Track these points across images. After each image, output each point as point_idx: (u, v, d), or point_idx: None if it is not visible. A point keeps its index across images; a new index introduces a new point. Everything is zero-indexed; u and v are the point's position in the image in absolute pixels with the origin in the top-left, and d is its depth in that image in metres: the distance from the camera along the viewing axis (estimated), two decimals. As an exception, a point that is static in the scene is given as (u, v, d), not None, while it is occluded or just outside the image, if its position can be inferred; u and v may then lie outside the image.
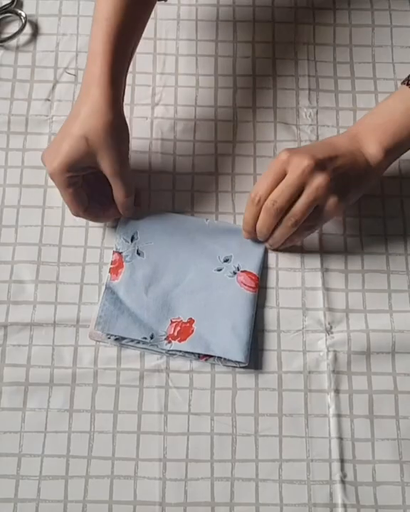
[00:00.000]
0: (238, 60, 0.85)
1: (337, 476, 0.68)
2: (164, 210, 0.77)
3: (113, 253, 0.75)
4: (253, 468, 0.69)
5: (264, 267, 0.75)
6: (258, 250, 0.75)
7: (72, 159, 0.68)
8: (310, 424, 0.70)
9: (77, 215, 0.73)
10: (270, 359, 0.72)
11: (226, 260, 0.75)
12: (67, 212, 0.77)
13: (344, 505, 0.67)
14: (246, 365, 0.71)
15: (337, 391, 0.71)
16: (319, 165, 0.67)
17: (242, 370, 0.71)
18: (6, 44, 0.85)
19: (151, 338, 0.71)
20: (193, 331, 0.72)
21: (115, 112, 0.69)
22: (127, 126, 0.71)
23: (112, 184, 0.71)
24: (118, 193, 0.72)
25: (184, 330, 0.72)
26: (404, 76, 0.83)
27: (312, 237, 0.76)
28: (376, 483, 0.68)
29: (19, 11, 0.86)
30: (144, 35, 0.85)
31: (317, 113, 0.82)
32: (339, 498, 0.68)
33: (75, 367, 0.72)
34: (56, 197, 0.77)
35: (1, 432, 0.69)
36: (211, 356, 0.71)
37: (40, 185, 0.78)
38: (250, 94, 0.83)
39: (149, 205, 0.78)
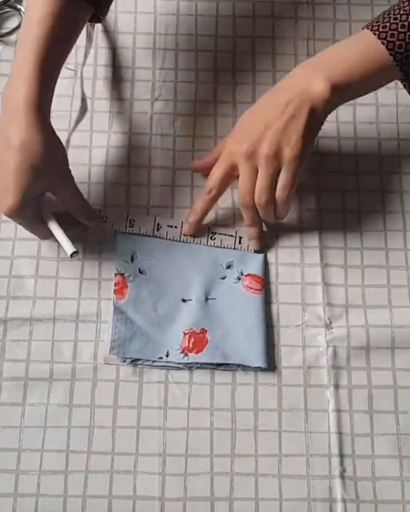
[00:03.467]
0: (238, 55, 0.85)
1: (336, 471, 0.68)
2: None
3: (115, 275, 0.74)
4: (253, 464, 0.69)
5: (264, 279, 0.75)
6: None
7: (27, 194, 0.65)
8: (310, 419, 0.70)
9: (46, 238, 0.73)
10: (270, 354, 0.72)
11: (229, 266, 0.75)
12: (67, 207, 0.77)
13: (344, 500, 0.67)
14: (266, 367, 0.71)
15: (336, 386, 0.71)
16: (256, 142, 0.68)
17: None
18: (5, 39, 0.85)
19: (167, 355, 0.71)
20: (207, 341, 0.71)
21: (50, 132, 0.67)
22: (60, 140, 0.69)
23: (68, 204, 0.71)
24: (76, 208, 0.72)
25: (199, 341, 0.71)
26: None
27: (312, 232, 0.76)
28: (375, 478, 0.68)
29: (18, 6, 0.86)
30: (143, 30, 0.85)
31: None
32: (338, 493, 0.68)
33: (74, 362, 0.72)
34: (56, 192, 0.78)
35: (0, 426, 0.69)
36: (229, 364, 0.71)
37: (39, 181, 0.78)
38: (249, 89, 0.83)
39: (148, 201, 0.78)
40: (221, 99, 0.83)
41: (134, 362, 0.71)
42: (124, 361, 0.71)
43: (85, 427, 0.70)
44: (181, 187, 0.79)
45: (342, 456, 0.69)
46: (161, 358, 0.71)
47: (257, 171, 0.69)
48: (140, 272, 0.74)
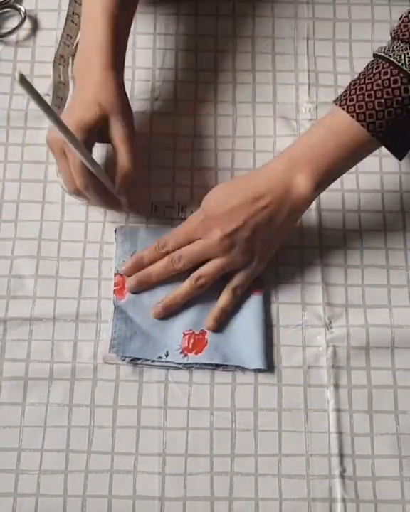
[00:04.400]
0: (238, 55, 0.85)
1: (336, 471, 0.68)
2: (158, 226, 0.77)
3: (115, 275, 0.74)
4: (253, 463, 0.69)
5: (262, 279, 0.75)
6: None
7: (85, 121, 0.68)
8: (309, 419, 0.70)
9: (83, 187, 0.68)
10: (270, 354, 0.72)
11: None
12: (67, 207, 0.77)
13: (344, 500, 0.67)
14: (266, 369, 0.71)
15: (336, 386, 0.71)
16: (229, 237, 0.68)
17: (241, 365, 0.72)
18: (5, 39, 0.85)
19: (167, 355, 0.71)
20: (207, 342, 0.72)
21: (121, 80, 0.72)
22: (127, 98, 0.73)
23: (118, 152, 0.70)
24: (123, 160, 0.70)
25: (198, 342, 0.72)
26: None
27: (312, 232, 0.76)
28: (375, 478, 0.68)
29: (19, 6, 0.86)
30: (143, 30, 0.85)
31: (316, 108, 0.82)
32: (338, 493, 0.68)
33: (74, 361, 0.72)
34: (56, 192, 0.78)
35: (0, 426, 0.69)
36: (228, 365, 0.71)
37: (39, 180, 0.78)
38: (249, 89, 0.83)
39: (150, 198, 0.78)
40: (220, 99, 0.83)
41: (133, 361, 0.71)
42: (124, 360, 0.71)
43: (85, 426, 0.70)
44: (182, 186, 0.79)
45: (341, 455, 0.69)
46: (160, 357, 0.71)
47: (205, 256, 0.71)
48: None
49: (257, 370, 0.71)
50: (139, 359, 0.71)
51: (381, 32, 0.85)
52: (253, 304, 0.73)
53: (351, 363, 0.72)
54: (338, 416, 0.70)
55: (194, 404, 0.70)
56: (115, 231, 0.76)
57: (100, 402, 0.70)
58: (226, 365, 0.71)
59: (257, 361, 0.71)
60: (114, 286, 0.74)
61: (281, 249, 0.75)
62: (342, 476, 0.68)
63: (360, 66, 0.83)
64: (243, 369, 0.71)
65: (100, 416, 0.70)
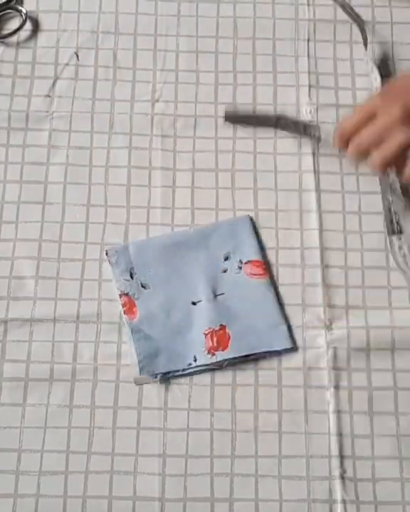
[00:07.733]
0: (239, 57, 0.85)
1: (336, 472, 0.68)
2: (146, 239, 0.77)
3: (120, 296, 0.74)
4: (253, 464, 0.69)
5: (264, 261, 0.75)
6: (249, 234, 0.75)
7: None
8: (310, 421, 0.70)
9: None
10: (270, 355, 0.72)
11: (227, 258, 0.75)
12: (68, 208, 0.77)
13: (344, 501, 0.67)
14: (293, 347, 0.72)
15: (336, 387, 0.71)
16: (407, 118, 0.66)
17: (241, 366, 0.72)
18: (6, 40, 0.85)
19: (195, 360, 0.71)
20: (229, 336, 0.72)
21: None
22: None
23: None
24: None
25: (221, 338, 0.72)
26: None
27: (312, 233, 0.76)
28: (375, 480, 0.68)
29: (20, 8, 0.86)
30: (144, 31, 0.85)
31: (317, 110, 0.82)
32: (338, 494, 0.68)
33: (75, 363, 0.72)
34: (56, 193, 0.78)
35: (1, 427, 0.70)
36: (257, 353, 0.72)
37: (40, 182, 0.78)
38: (250, 90, 0.83)
39: (149, 202, 0.78)
40: (221, 100, 0.83)
41: (165, 375, 0.71)
42: (156, 377, 0.71)
43: (85, 427, 0.70)
44: (182, 188, 0.79)
45: (342, 457, 0.69)
46: (190, 364, 0.71)
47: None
48: (143, 286, 0.74)
49: (258, 370, 0.71)
50: (169, 372, 0.71)
51: (382, 33, 0.86)
52: (261, 287, 0.73)
53: (351, 364, 0.72)
54: (338, 417, 0.70)
55: (194, 406, 0.71)
56: (107, 253, 0.75)
57: (100, 403, 0.70)
58: (255, 353, 0.71)
59: (283, 342, 0.72)
60: (123, 306, 0.73)
61: (281, 250, 0.76)
62: (343, 478, 0.68)
63: (360, 68, 0.84)
64: (271, 353, 0.71)
65: (100, 417, 0.70)
